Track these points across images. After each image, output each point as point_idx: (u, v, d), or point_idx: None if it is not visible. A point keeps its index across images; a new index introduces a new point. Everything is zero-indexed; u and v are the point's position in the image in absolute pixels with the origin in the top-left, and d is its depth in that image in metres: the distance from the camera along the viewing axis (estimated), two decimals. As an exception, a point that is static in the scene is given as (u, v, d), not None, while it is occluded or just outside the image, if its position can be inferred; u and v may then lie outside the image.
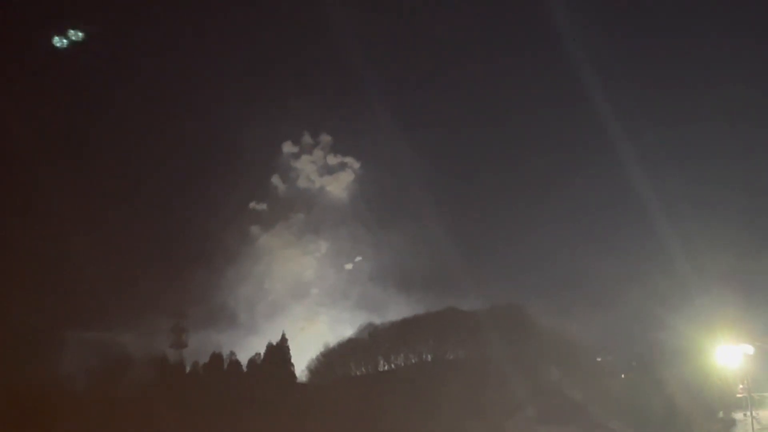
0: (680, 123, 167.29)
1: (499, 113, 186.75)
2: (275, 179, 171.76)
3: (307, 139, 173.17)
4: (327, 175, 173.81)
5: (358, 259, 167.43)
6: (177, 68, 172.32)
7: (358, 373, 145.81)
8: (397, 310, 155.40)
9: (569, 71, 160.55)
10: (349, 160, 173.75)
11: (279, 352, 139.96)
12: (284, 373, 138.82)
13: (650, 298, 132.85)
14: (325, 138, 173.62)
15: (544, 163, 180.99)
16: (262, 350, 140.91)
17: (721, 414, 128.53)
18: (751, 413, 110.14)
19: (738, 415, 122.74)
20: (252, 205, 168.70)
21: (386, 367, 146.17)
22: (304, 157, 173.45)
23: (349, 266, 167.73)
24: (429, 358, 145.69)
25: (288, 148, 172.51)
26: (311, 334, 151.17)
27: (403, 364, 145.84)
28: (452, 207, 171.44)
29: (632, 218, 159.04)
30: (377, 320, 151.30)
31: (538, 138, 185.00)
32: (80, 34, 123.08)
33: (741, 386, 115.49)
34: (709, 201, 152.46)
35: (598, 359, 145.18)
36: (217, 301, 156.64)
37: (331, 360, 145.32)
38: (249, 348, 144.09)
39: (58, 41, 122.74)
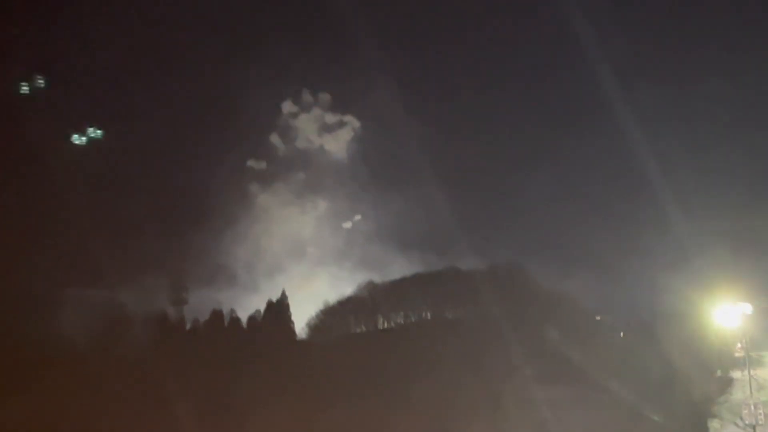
0: (680, 84, 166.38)
1: (501, 74, 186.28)
2: (274, 138, 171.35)
3: (306, 97, 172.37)
4: (326, 133, 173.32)
5: (358, 218, 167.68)
6: (174, 24, 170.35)
7: (358, 331, 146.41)
8: (396, 269, 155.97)
9: (570, 31, 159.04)
10: (348, 118, 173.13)
11: (279, 309, 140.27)
12: (284, 330, 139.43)
13: (648, 258, 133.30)
14: (325, 96, 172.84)
15: (546, 125, 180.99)
16: (262, 308, 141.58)
17: (719, 373, 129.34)
18: (749, 372, 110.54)
19: (736, 374, 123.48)
20: (250, 163, 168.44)
21: (386, 325, 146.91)
22: (304, 116, 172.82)
23: (347, 225, 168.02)
24: (428, 316, 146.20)
25: (288, 107, 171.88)
26: (311, 292, 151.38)
27: (402, 322, 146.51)
28: (453, 166, 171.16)
29: (631, 179, 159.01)
30: (377, 279, 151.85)
31: (541, 99, 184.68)
32: None
33: (739, 345, 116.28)
34: (708, 162, 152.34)
35: (598, 318, 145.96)
36: (216, 259, 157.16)
37: (331, 318, 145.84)
38: (249, 306, 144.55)
39: None
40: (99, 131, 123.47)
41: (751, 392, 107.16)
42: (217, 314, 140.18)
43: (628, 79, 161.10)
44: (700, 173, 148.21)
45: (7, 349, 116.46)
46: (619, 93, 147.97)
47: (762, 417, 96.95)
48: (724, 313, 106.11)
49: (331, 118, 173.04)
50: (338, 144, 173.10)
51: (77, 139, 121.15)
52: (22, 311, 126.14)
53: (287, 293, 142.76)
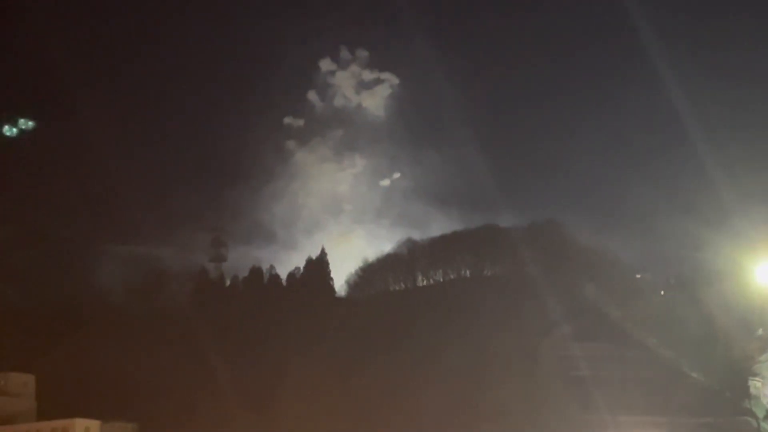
0: (722, 42, 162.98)
1: (542, 32, 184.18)
2: (312, 95, 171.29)
3: (344, 54, 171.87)
4: (364, 90, 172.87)
5: (396, 175, 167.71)
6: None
7: (396, 288, 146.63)
8: (435, 226, 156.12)
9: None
10: (386, 75, 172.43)
11: (318, 266, 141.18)
12: (324, 287, 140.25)
13: (690, 216, 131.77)
14: (363, 53, 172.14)
15: (586, 82, 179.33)
16: (301, 265, 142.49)
17: (760, 332, 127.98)
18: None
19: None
20: (288, 120, 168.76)
21: (425, 282, 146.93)
22: (342, 73, 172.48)
23: (385, 182, 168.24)
24: (467, 274, 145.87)
25: (326, 64, 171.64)
26: (350, 250, 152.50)
27: (441, 279, 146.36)
28: (492, 123, 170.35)
29: (672, 136, 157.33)
30: (416, 236, 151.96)
31: (582, 58, 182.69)
32: None
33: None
34: (750, 121, 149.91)
35: (638, 276, 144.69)
36: (255, 216, 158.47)
37: (370, 275, 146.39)
38: (288, 263, 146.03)
39: None
40: (30, 123, 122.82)
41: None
42: (256, 271, 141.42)
43: (671, 37, 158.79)
44: (742, 130, 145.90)
45: (51, 302, 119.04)
46: (661, 50, 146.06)
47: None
48: (765, 272, 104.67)
49: (368, 75, 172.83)
50: (376, 101, 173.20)
51: (8, 131, 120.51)
52: (62, 264, 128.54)
53: (326, 250, 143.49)
